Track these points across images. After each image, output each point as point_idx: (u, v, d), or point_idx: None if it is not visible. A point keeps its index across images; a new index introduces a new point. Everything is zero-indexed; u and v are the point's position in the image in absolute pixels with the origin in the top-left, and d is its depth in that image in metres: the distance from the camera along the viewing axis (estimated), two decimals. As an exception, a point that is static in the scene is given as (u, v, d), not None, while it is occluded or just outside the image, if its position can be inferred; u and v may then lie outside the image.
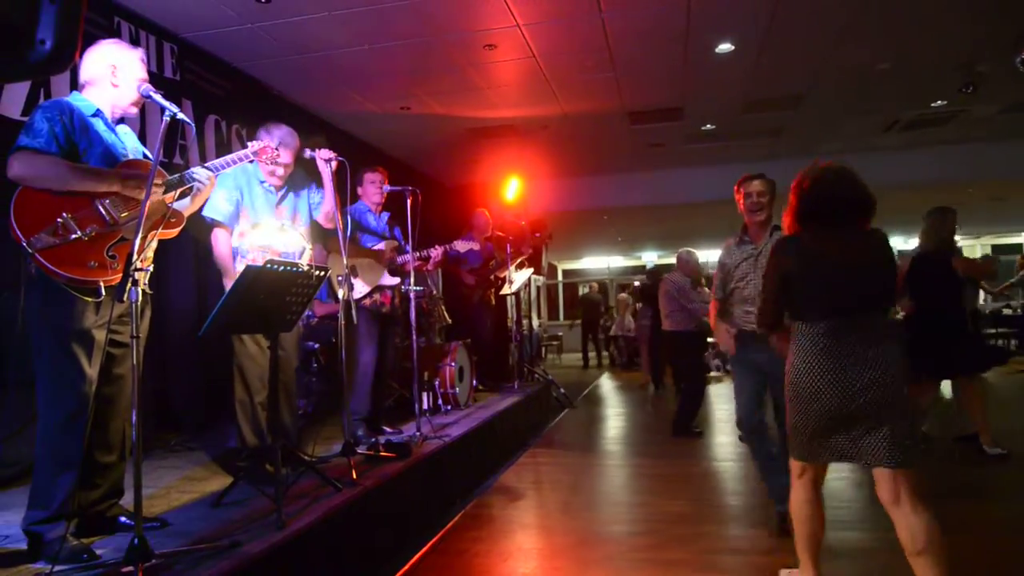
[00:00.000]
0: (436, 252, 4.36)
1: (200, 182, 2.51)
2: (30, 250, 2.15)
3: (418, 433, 4.04)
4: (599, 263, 20.01)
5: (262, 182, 3.37)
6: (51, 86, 3.57)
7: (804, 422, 2.22)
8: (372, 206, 4.33)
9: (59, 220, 2.19)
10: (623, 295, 13.14)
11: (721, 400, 7.71)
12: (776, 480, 3.11)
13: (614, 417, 7.02)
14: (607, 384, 10.19)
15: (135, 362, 2.12)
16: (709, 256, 17.95)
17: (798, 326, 2.26)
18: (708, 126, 7.84)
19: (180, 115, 2.35)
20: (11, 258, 2.23)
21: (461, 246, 4.63)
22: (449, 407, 5.32)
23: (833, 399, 2.13)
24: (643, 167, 9.81)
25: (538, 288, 14.58)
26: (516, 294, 7.07)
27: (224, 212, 3.26)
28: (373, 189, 4.28)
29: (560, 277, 20.28)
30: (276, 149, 3.09)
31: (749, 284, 3.14)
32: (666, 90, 6.56)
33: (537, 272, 8.90)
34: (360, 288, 4.13)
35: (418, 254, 4.20)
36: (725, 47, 5.52)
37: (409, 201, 4.06)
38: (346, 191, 3.45)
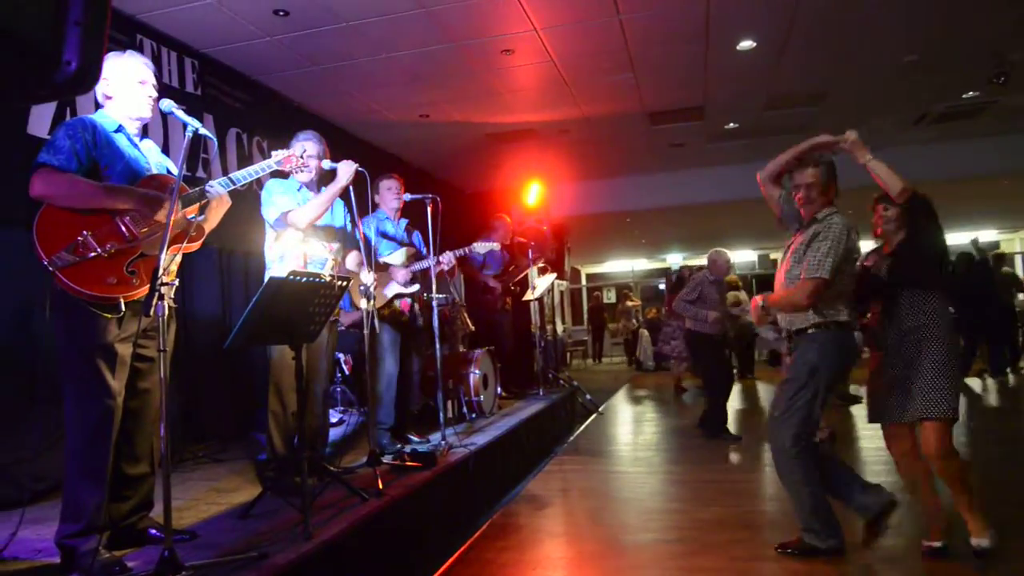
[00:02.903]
0: (447, 256, 4.37)
1: (215, 195, 2.54)
2: (51, 268, 2.20)
3: (443, 442, 4.04)
4: (623, 266, 19.92)
5: (299, 188, 3.44)
6: (76, 105, 3.66)
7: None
8: (390, 212, 4.36)
9: (79, 238, 2.24)
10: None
11: (759, 401, 7.61)
12: (857, 493, 2.81)
13: (643, 423, 6.96)
14: (635, 390, 10.11)
15: (163, 375, 2.15)
16: (742, 256, 17.83)
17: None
18: (730, 124, 7.79)
19: (202, 130, 2.39)
20: (41, 275, 2.28)
21: (480, 247, 4.64)
22: (474, 415, 5.32)
23: None
24: (665, 168, 9.77)
25: (561, 293, 14.56)
26: (539, 299, 7.06)
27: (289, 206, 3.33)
28: (390, 196, 4.32)
29: (584, 281, 20.22)
30: (301, 156, 3.13)
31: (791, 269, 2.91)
32: (686, 89, 6.53)
33: (560, 277, 8.89)
34: (380, 297, 4.15)
35: (435, 259, 4.22)
36: (746, 44, 5.47)
37: (429, 209, 4.08)
38: (366, 201, 3.47)
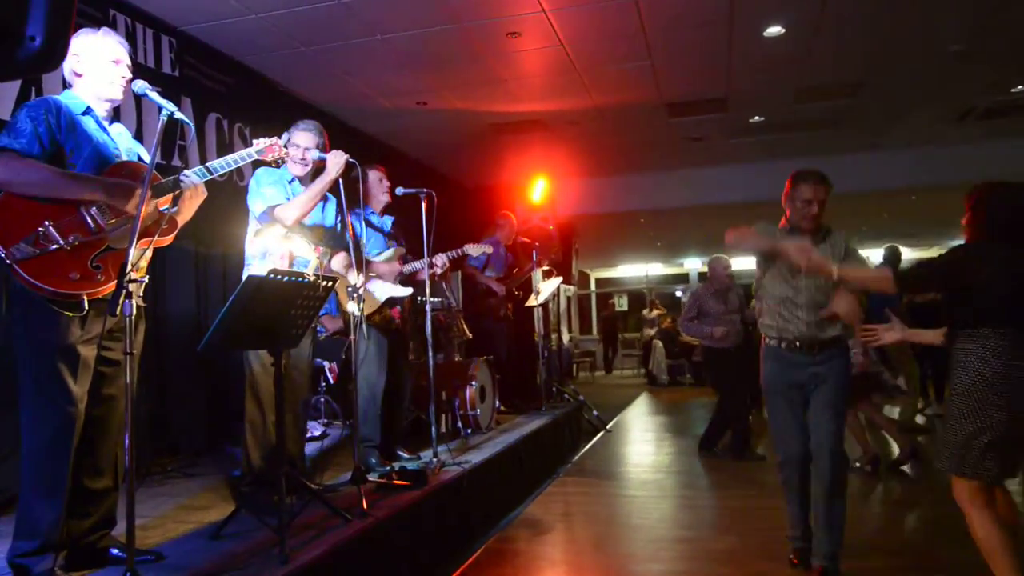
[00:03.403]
0: (441, 259, 4.36)
1: (188, 185, 2.54)
2: (8, 261, 2.20)
3: (435, 459, 4.04)
4: (636, 271, 19.92)
5: (291, 181, 3.45)
6: (43, 84, 3.68)
7: (980, 431, 2.39)
8: (376, 207, 4.34)
9: (40, 229, 2.24)
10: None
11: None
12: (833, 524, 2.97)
13: (655, 442, 6.95)
14: (646, 405, 10.10)
15: (128, 380, 2.16)
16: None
17: (973, 333, 2.45)
18: (756, 118, 7.78)
19: (178, 114, 2.40)
20: (-1, 269, 2.29)
21: (473, 250, 4.63)
22: (469, 430, 5.32)
23: (1019, 406, 2.36)
24: (684, 164, 9.77)
25: (568, 299, 14.56)
26: (544, 306, 7.06)
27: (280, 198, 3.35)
28: (377, 189, 4.28)
29: (593, 287, 20.21)
30: (284, 147, 3.13)
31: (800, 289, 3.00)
32: (708, 79, 6.53)
33: (567, 281, 8.88)
34: (368, 302, 4.14)
35: (425, 261, 4.21)
36: (774, 30, 5.48)
37: (424, 205, 4.08)
38: (358, 194, 3.48)
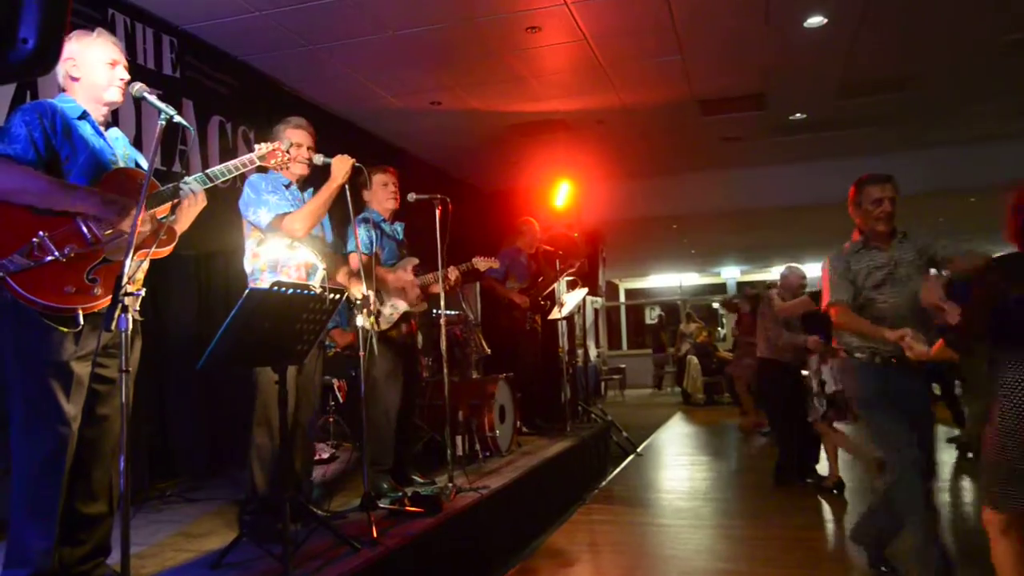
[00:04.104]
0: (452, 274, 4.34)
1: (186, 193, 2.58)
2: (1, 273, 2.25)
3: (450, 484, 4.04)
4: (669, 281, 19.83)
5: (287, 185, 3.48)
6: (38, 88, 3.76)
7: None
8: (385, 213, 4.34)
9: (35, 240, 2.29)
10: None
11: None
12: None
13: (690, 467, 6.89)
14: (680, 426, 10.03)
15: (124, 400, 2.18)
16: (813, 272, 17.53)
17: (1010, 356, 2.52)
18: (797, 115, 7.74)
19: (177, 118, 2.44)
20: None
21: (481, 264, 4.63)
22: (488, 453, 5.31)
23: None
24: (719, 165, 9.73)
25: (595, 311, 14.54)
26: (568, 319, 7.05)
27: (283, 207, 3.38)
28: (385, 193, 4.28)
29: (622, 298, 20.15)
30: (288, 151, 3.17)
31: (887, 298, 3.20)
32: (744, 74, 6.51)
33: (593, 292, 8.87)
34: (388, 316, 4.17)
35: (434, 275, 4.22)
36: (815, 20, 5.45)
37: (438, 212, 4.10)
38: (363, 200, 3.51)
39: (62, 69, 2.52)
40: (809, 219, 11.28)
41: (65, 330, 2.35)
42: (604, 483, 6.14)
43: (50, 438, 2.32)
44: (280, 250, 3.36)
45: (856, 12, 5.35)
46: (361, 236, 4.10)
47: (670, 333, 15.56)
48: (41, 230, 2.31)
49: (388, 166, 4.39)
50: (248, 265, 3.44)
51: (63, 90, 2.58)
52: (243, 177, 5.33)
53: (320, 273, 3.48)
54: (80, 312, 2.36)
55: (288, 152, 3.15)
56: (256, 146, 2.98)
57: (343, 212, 3.45)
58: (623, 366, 15.87)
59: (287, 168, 3.26)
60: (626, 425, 7.90)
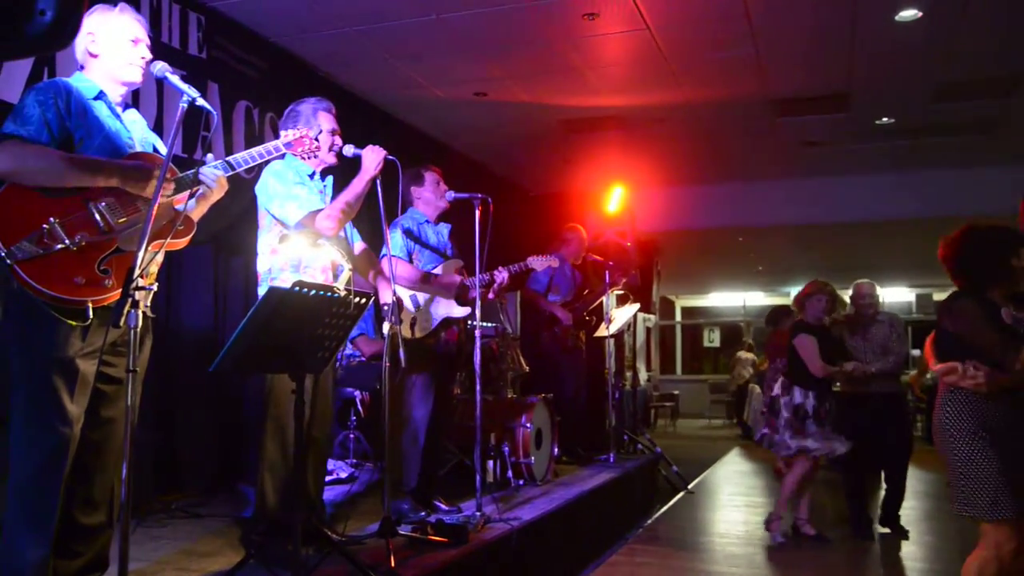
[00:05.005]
0: (501, 275, 4.37)
1: (208, 182, 2.63)
2: (9, 261, 2.31)
3: (478, 513, 4.02)
4: (731, 299, 19.62)
5: (311, 175, 3.52)
6: (56, 64, 3.87)
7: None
8: (432, 214, 4.41)
9: (44, 226, 2.35)
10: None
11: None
12: None
13: (746, 509, 6.78)
14: (738, 462, 9.88)
15: (129, 402, 2.22)
16: (895, 295, 17.27)
17: None
18: (884, 119, 7.63)
19: (200, 101, 2.49)
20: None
21: (538, 263, 4.64)
22: (522, 481, 5.30)
23: None
24: (793, 173, 9.63)
25: (647, 330, 14.43)
26: (616, 337, 7.00)
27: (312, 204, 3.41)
28: (434, 193, 4.35)
29: (678, 317, 19.97)
30: (316, 139, 3.20)
31: None
32: (826, 71, 6.44)
33: (645, 309, 8.81)
34: (425, 322, 4.19)
35: (485, 277, 4.23)
36: (908, 13, 5.36)
37: (479, 212, 4.11)
38: (397, 197, 3.53)
39: (81, 45, 2.59)
40: (893, 236, 11.06)
41: (73, 323, 2.40)
42: (650, 521, 6.07)
43: (50, 438, 2.37)
44: (303, 248, 3.39)
45: (955, 5, 5.25)
46: (395, 240, 4.15)
47: (728, 359, 15.38)
48: (52, 216, 2.37)
49: (432, 165, 4.46)
50: (264, 263, 3.46)
51: (81, 68, 2.65)
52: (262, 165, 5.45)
53: (346, 274, 3.52)
54: (90, 305, 2.41)
55: (317, 140, 3.17)
56: (282, 132, 3.02)
57: (373, 210, 3.48)
58: (676, 392, 15.73)
59: (315, 157, 3.29)
60: (677, 459, 7.81)
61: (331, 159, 3.53)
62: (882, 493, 5.67)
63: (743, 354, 14.22)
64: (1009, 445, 2.95)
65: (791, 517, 5.27)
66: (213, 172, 2.65)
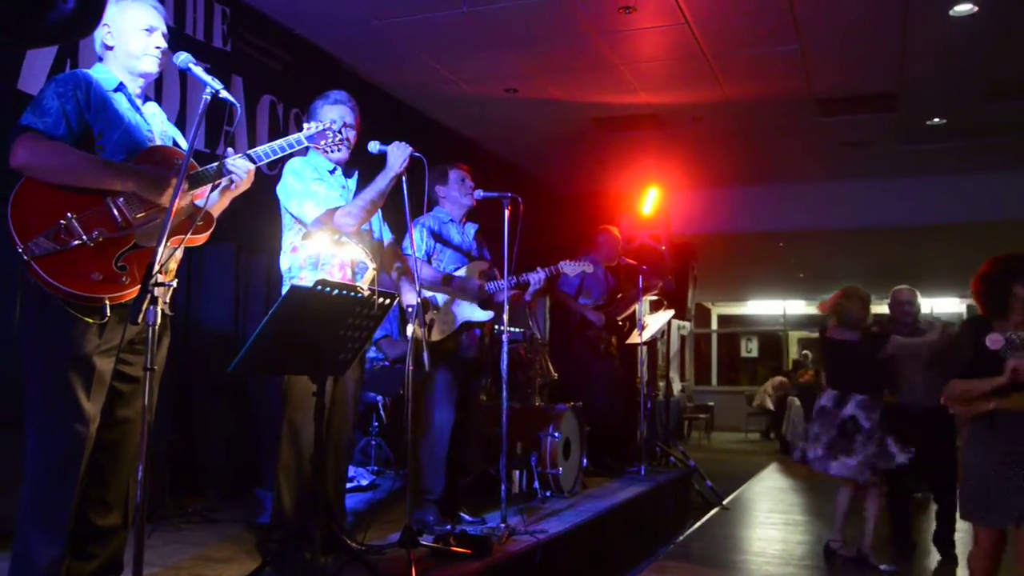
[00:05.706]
0: (537, 276, 4.37)
1: (237, 175, 2.65)
2: (26, 257, 2.34)
3: (503, 525, 4.02)
4: (771, 307, 19.44)
5: (331, 171, 3.54)
6: (78, 54, 3.93)
7: None
8: (456, 214, 4.42)
9: (62, 222, 2.38)
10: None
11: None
12: None
13: (783, 527, 6.71)
14: (776, 478, 9.79)
15: (147, 401, 2.24)
16: (944, 305, 17.05)
17: None
18: (935, 120, 7.54)
19: (223, 93, 2.51)
20: (14, 264, 2.42)
21: (570, 268, 4.63)
22: (548, 493, 5.28)
23: None
24: (838, 175, 9.56)
25: (682, 338, 14.36)
26: (649, 344, 6.97)
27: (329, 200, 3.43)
28: (461, 192, 4.37)
29: (714, 325, 19.84)
30: (340, 131, 3.20)
31: None
32: (874, 69, 6.38)
33: (680, 316, 8.76)
34: (444, 324, 4.20)
35: (514, 279, 4.23)
36: (963, 8, 5.28)
37: (508, 212, 4.11)
38: (423, 195, 3.54)
39: (98, 36, 2.61)
40: (941, 241, 10.91)
41: (90, 320, 2.43)
42: (681, 538, 6.03)
43: (65, 437, 2.40)
44: (324, 245, 3.41)
45: (1013, -1, 5.18)
46: (416, 239, 4.16)
47: (769, 369, 15.26)
48: (69, 211, 2.40)
49: (460, 163, 4.46)
50: (286, 261, 3.50)
51: (100, 60, 2.68)
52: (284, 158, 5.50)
53: (369, 273, 3.53)
54: (107, 302, 2.43)
55: (340, 133, 3.18)
56: (305, 125, 3.03)
57: (398, 208, 3.48)
58: (711, 404, 15.63)
59: (338, 151, 3.30)
60: (711, 473, 7.77)
61: (344, 153, 3.52)
62: (932, 514, 5.58)
63: (779, 379, 14.11)
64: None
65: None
66: (244, 163, 2.67)
